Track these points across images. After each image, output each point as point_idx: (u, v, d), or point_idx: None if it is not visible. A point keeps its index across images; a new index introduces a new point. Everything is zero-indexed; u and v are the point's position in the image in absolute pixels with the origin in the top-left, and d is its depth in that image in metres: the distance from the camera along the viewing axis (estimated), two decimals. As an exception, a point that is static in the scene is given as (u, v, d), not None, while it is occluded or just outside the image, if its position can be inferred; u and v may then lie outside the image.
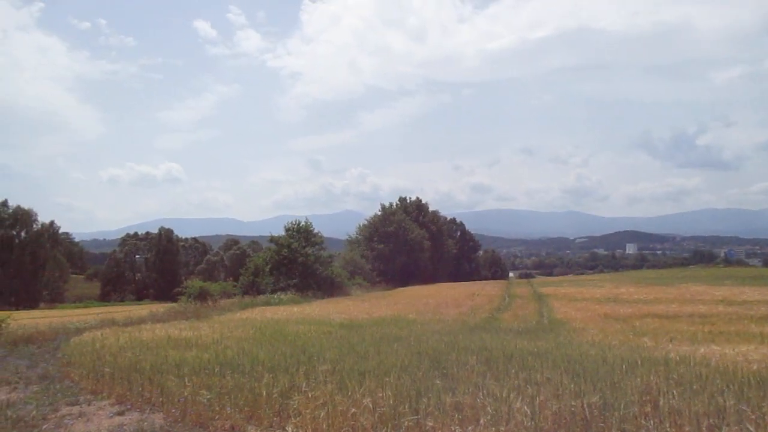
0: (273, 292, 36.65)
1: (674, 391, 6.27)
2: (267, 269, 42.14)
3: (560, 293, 33.56)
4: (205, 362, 9.42)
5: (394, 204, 79.49)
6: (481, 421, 5.64)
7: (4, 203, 77.26)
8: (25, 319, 24.40)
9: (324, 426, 6.08)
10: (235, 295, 37.16)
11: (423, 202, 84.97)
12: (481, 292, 37.46)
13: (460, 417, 5.83)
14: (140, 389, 8.52)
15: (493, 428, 5.51)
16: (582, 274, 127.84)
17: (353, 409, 6.22)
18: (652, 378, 7.05)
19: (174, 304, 30.81)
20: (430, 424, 5.70)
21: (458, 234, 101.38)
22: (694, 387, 6.55)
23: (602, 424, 5.56)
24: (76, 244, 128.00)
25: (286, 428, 6.28)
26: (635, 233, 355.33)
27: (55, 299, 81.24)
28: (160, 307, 29.79)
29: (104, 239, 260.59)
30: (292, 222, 45.36)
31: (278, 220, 56.95)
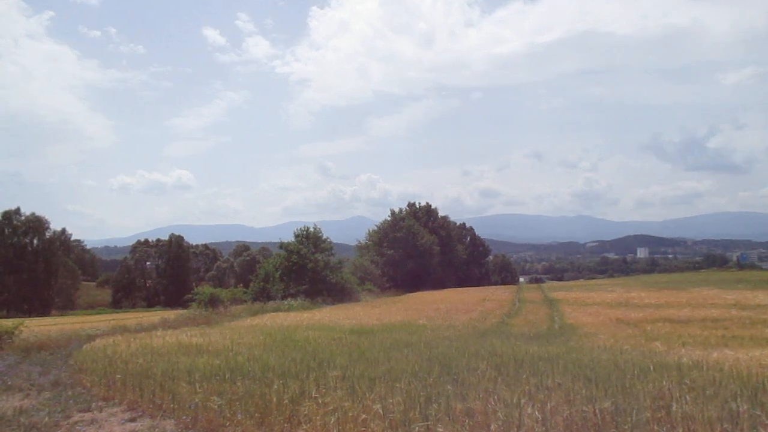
0: (283, 298, 36.71)
1: (687, 397, 6.22)
2: (277, 275, 42.22)
3: (571, 298, 33.38)
4: (215, 368, 9.43)
5: (404, 209, 79.50)
6: (492, 427, 5.62)
7: (17, 211, 78.03)
8: (37, 326, 24.60)
9: (334, 432, 6.08)
10: (245, 301, 37.26)
11: (432, 207, 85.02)
12: (492, 297, 37.34)
13: (470, 423, 5.81)
14: (152, 396, 8.56)
15: (504, 434, 5.49)
16: (593, 278, 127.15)
17: (363, 415, 6.21)
18: (664, 383, 7.00)
19: (185, 311, 30.93)
20: (441, 430, 5.68)
21: (468, 239, 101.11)
22: (707, 392, 6.49)
23: (614, 430, 5.52)
24: (88, 251, 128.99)
25: (297, 434, 6.29)
26: (646, 237, 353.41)
27: (67, 306, 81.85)
28: (171, 314, 29.94)
29: (115, 246, 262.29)
30: (301, 228, 45.46)
31: (288, 227, 57.17)
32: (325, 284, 41.54)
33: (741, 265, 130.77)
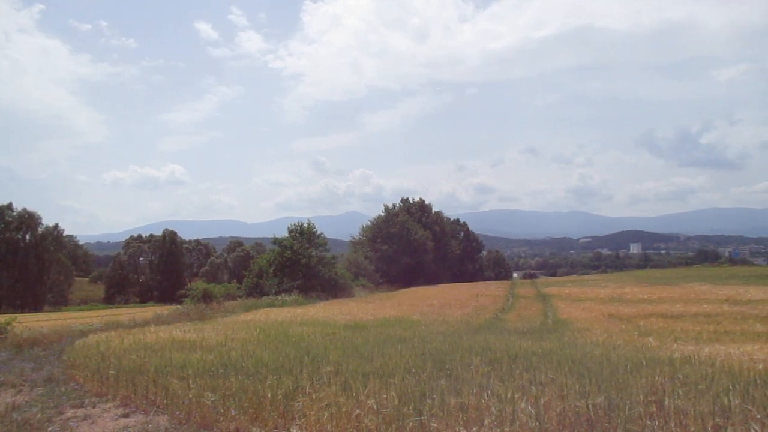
0: (277, 293, 36.69)
1: (679, 391, 6.25)
2: (270, 271, 42.19)
3: (564, 293, 33.50)
4: (209, 364, 9.41)
5: (398, 205, 79.51)
6: (486, 422, 5.62)
7: (9, 206, 77.46)
8: (30, 322, 24.49)
9: (328, 427, 6.08)
10: (238, 296, 37.24)
11: (426, 202, 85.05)
12: (485, 292, 37.44)
13: (464, 418, 5.81)
14: (145, 391, 8.53)
15: (498, 429, 5.50)
16: (586, 274, 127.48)
17: (357, 411, 6.21)
18: (657, 378, 7.03)
19: (178, 306, 30.87)
20: (435, 425, 5.68)
21: (462, 235, 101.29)
22: (699, 387, 6.52)
23: (607, 425, 5.54)
24: (81, 246, 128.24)
25: (291, 430, 6.28)
26: (639, 233, 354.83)
27: (60, 302, 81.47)
28: (164, 309, 29.86)
29: (108, 242, 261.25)
30: (295, 224, 45.41)
31: (282, 222, 57.09)
32: (319, 280, 41.53)
33: (733, 261, 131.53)
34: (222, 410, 7.07)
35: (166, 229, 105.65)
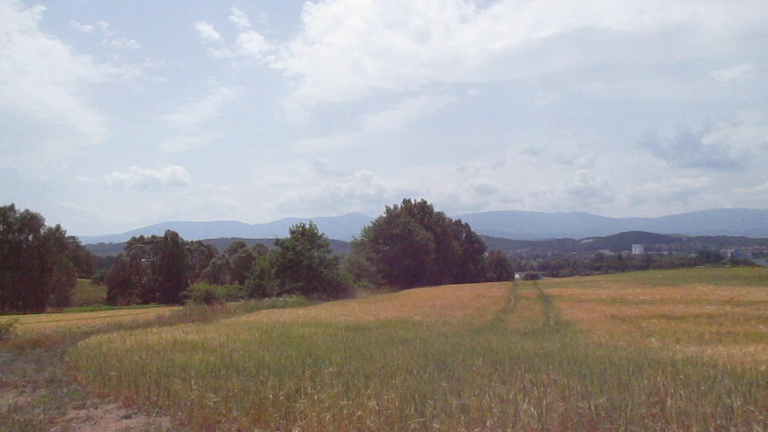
0: (279, 294, 36.69)
1: (681, 392, 6.24)
2: (272, 272, 42.19)
3: (566, 294, 33.47)
4: (211, 365, 9.42)
5: (399, 206, 79.48)
6: (488, 423, 5.62)
7: (11, 208, 77.60)
8: (32, 323, 24.55)
9: (330, 428, 6.08)
10: (240, 298, 37.23)
11: (428, 203, 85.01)
12: (487, 293, 37.42)
13: (466, 419, 5.81)
14: (147, 392, 8.54)
15: (500, 430, 5.50)
16: (588, 275, 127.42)
17: (359, 412, 6.21)
18: (659, 379, 7.02)
19: (180, 308, 30.88)
20: (437, 426, 5.68)
21: (463, 235, 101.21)
22: (702, 388, 6.51)
23: (609, 426, 5.53)
24: (83, 247, 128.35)
25: (292, 431, 6.28)
26: (641, 234, 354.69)
27: (62, 303, 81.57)
28: (166, 311, 29.89)
29: (110, 243, 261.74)
30: (297, 225, 45.43)
31: (283, 223, 57.17)
32: (321, 281, 41.53)
33: (735, 262, 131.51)
34: (224, 411, 7.08)
35: (168, 230, 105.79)
